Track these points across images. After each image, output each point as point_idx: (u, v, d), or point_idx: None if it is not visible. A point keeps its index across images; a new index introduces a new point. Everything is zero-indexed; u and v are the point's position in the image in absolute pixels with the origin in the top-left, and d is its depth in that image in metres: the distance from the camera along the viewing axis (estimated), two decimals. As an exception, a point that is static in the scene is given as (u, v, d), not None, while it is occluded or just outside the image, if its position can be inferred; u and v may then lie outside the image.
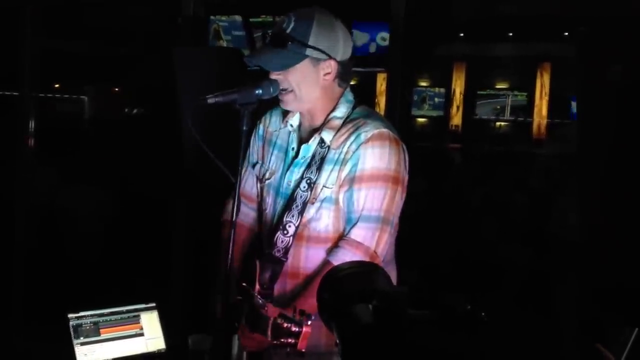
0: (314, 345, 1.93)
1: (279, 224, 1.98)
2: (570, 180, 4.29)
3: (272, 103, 2.01)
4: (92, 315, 2.00)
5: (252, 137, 2.17)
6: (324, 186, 1.92)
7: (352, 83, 2.05)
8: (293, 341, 1.59)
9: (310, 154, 1.97)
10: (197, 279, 3.69)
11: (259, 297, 1.77)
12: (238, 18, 4.01)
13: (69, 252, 4.68)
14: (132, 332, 2.04)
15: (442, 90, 9.97)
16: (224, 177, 1.83)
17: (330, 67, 1.93)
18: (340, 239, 1.92)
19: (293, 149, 2.04)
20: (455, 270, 4.20)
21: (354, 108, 2.00)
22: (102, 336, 1.99)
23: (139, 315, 2.07)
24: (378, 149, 1.88)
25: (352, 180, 1.89)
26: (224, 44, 4.02)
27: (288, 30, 1.89)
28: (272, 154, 2.10)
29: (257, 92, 1.86)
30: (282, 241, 1.96)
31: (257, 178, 2.15)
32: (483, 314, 1.12)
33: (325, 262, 1.91)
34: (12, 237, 4.39)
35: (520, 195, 4.96)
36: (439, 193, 5.15)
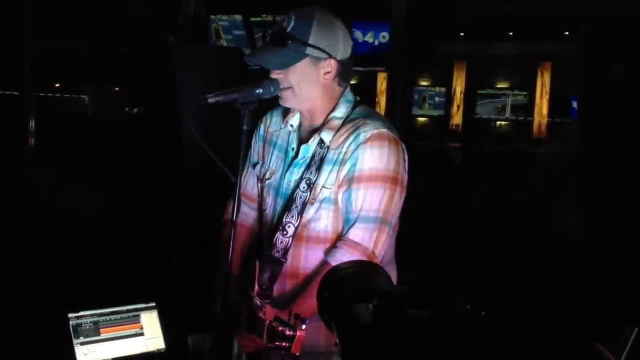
0: (314, 345, 1.94)
1: (278, 225, 1.98)
2: (570, 179, 4.29)
3: (273, 102, 2.00)
4: (92, 315, 2.00)
5: (253, 137, 2.17)
6: (323, 186, 1.92)
7: (352, 82, 2.05)
8: (287, 345, 1.59)
9: (309, 155, 1.97)
10: (197, 278, 3.69)
11: (257, 298, 1.77)
12: (238, 17, 4.01)
13: (69, 252, 4.68)
14: (132, 331, 2.04)
15: (443, 89, 9.97)
16: (224, 177, 1.83)
17: (331, 66, 1.93)
18: (338, 240, 1.92)
19: (293, 149, 2.04)
20: (455, 269, 4.19)
21: (353, 108, 1.99)
22: (102, 336, 1.99)
23: (138, 315, 2.06)
24: (377, 149, 1.88)
25: (350, 181, 1.89)
26: (225, 43, 4.02)
27: (288, 29, 1.89)
28: (272, 154, 2.10)
29: (257, 91, 1.86)
30: (282, 242, 1.96)
31: (258, 178, 2.15)
32: (483, 313, 1.11)
33: (323, 263, 1.91)
34: (12, 237, 4.39)
35: (521, 194, 4.96)
36: (439, 192, 5.15)
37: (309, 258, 1.95)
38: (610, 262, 2.85)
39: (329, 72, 1.94)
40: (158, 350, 2.06)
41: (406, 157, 1.98)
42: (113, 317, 2.03)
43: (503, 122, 9.85)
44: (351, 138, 1.90)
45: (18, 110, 4.39)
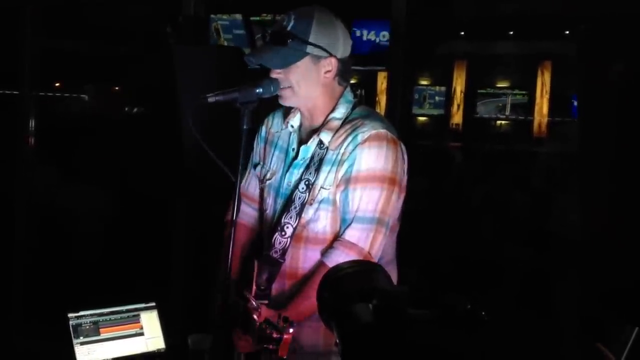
0: (313, 345, 1.94)
1: (277, 225, 1.98)
2: (571, 178, 4.29)
3: (272, 102, 2.00)
4: (91, 315, 2.00)
5: (255, 139, 2.17)
6: (321, 187, 1.92)
7: (352, 82, 2.05)
8: (273, 347, 1.60)
9: (309, 155, 1.97)
10: (197, 278, 3.69)
11: (252, 299, 1.78)
12: (238, 17, 4.01)
13: (69, 251, 4.68)
14: (132, 331, 2.04)
15: (443, 88, 9.98)
16: (224, 177, 1.83)
17: (331, 64, 1.93)
18: (335, 240, 1.92)
19: (293, 149, 2.04)
20: (455, 269, 4.19)
21: (353, 108, 1.99)
22: (102, 336, 1.99)
23: (138, 315, 2.06)
24: (375, 150, 1.87)
25: (347, 181, 1.89)
26: (225, 43, 4.02)
27: (288, 28, 1.89)
28: (273, 154, 2.10)
29: (257, 91, 1.86)
30: (280, 242, 1.96)
31: (258, 179, 2.15)
32: (483, 313, 1.11)
33: (320, 263, 1.91)
34: (12, 236, 4.39)
35: (521, 194, 4.96)
36: (439, 192, 5.15)
37: (308, 259, 1.94)
38: (610, 261, 2.84)
39: (329, 71, 1.93)
40: (158, 350, 2.06)
41: (405, 157, 1.97)
42: (113, 317, 2.02)
43: (503, 122, 9.86)
44: (349, 139, 1.90)
45: (18, 109, 4.39)
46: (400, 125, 3.16)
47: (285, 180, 2.01)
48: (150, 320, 2.07)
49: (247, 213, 2.18)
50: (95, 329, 1.99)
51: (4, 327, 4.21)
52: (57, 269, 4.41)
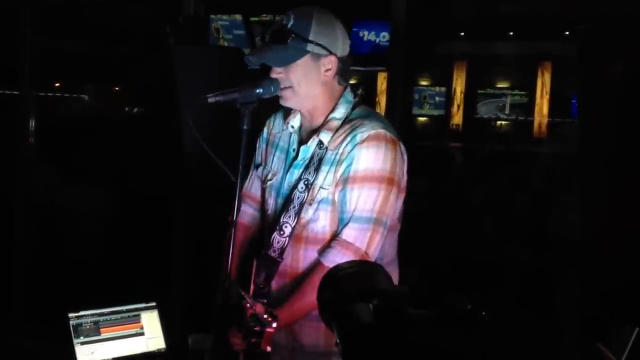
0: (314, 345, 1.94)
1: (276, 225, 1.98)
2: (571, 179, 4.29)
3: (273, 102, 2.00)
4: (92, 315, 1.99)
5: (257, 140, 2.18)
6: (321, 187, 1.92)
7: (352, 82, 2.05)
8: (255, 340, 1.61)
9: (309, 155, 1.97)
10: (197, 278, 3.69)
11: (248, 297, 1.78)
12: (239, 17, 4.01)
13: (69, 251, 4.68)
14: (133, 331, 2.04)
15: (443, 89, 9.99)
16: (224, 177, 1.83)
17: (331, 63, 1.93)
18: (332, 240, 1.92)
19: (294, 150, 2.04)
20: (455, 269, 4.19)
21: (353, 108, 1.99)
22: (103, 335, 1.99)
23: (139, 315, 2.06)
24: (373, 150, 1.87)
25: (345, 181, 1.89)
26: (225, 43, 4.02)
27: (288, 27, 1.89)
28: (274, 155, 2.11)
29: (257, 91, 1.86)
30: (278, 241, 1.96)
31: (260, 179, 2.15)
32: (483, 313, 1.11)
33: (317, 263, 1.91)
34: (12, 236, 4.39)
35: (521, 194, 4.97)
36: (439, 192, 5.15)
37: (308, 259, 1.95)
38: (610, 261, 2.84)
39: (329, 70, 1.93)
40: (158, 350, 2.06)
41: (405, 158, 1.97)
42: (113, 316, 2.02)
43: (503, 122, 9.86)
44: (348, 139, 1.90)
45: (18, 109, 4.39)
46: (400, 126, 3.17)
47: (286, 181, 2.01)
48: (151, 320, 2.07)
49: (249, 213, 2.19)
50: (95, 328, 1.99)
51: (4, 327, 4.22)
52: (58, 269, 4.41)
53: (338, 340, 1.16)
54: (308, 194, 1.93)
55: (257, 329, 1.63)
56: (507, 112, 9.62)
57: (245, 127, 1.84)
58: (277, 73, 1.92)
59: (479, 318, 1.11)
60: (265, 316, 1.67)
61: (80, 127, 5.66)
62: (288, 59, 1.90)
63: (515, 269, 4.18)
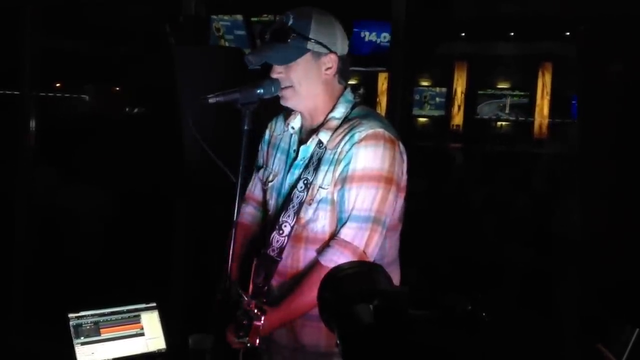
0: (315, 345, 1.94)
1: (275, 224, 1.98)
2: (571, 179, 4.29)
3: (273, 103, 2.00)
4: (92, 315, 2.00)
5: (260, 143, 2.18)
6: (320, 187, 1.92)
7: (353, 82, 2.06)
8: (243, 334, 1.62)
9: (308, 155, 1.97)
10: (197, 278, 3.69)
11: (246, 296, 1.79)
12: (239, 17, 4.01)
13: (70, 252, 4.69)
14: (133, 331, 2.04)
15: (444, 89, 9.99)
16: (225, 177, 1.83)
17: (331, 61, 1.93)
18: (330, 239, 1.92)
19: (294, 150, 2.04)
20: (455, 269, 4.19)
21: (352, 108, 1.99)
22: (103, 336, 1.99)
23: (139, 315, 2.06)
24: (371, 149, 1.87)
25: (344, 180, 1.88)
26: (226, 44, 4.02)
27: (289, 26, 1.90)
28: (275, 156, 2.11)
29: (258, 91, 1.86)
30: (278, 241, 1.96)
31: (261, 181, 2.15)
32: (484, 313, 1.11)
33: (315, 262, 1.91)
34: (12, 236, 4.39)
35: (522, 194, 4.97)
36: (439, 193, 5.15)
37: (308, 258, 1.94)
38: (610, 262, 2.84)
39: (329, 68, 1.94)
40: (159, 350, 2.06)
41: (405, 157, 1.97)
42: (114, 317, 2.03)
43: (504, 123, 9.87)
44: (347, 138, 1.90)
45: (18, 110, 4.39)
46: (401, 127, 3.17)
47: (287, 181, 2.01)
48: (151, 321, 2.07)
49: (252, 214, 2.20)
50: (95, 329, 1.99)
51: (4, 327, 4.22)
52: (58, 269, 4.41)
53: (338, 341, 1.16)
54: (307, 194, 1.93)
55: (245, 322, 1.63)
56: (507, 114, 9.63)
57: (245, 128, 1.84)
58: (277, 73, 1.92)
59: (479, 318, 1.11)
60: (254, 310, 1.67)
61: (80, 128, 5.67)
62: (289, 57, 1.90)
63: (516, 270, 4.18)
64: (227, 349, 1.89)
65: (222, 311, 1.87)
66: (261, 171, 2.16)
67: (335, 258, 1.84)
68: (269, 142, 2.16)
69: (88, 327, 1.98)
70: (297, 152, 2.02)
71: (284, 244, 1.96)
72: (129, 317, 2.05)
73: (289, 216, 1.95)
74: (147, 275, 4.00)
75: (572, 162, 4.28)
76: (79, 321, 1.97)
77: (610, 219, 2.84)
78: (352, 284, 1.22)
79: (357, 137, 1.88)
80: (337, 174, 1.90)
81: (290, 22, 1.90)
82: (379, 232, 1.89)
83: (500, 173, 5.62)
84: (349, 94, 2.01)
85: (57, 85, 8.24)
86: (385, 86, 6.50)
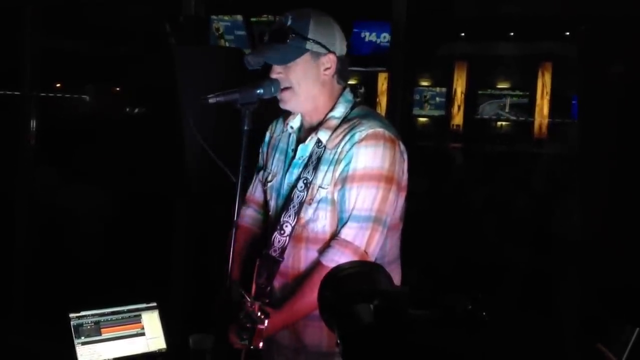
0: (317, 345, 1.94)
1: (276, 224, 1.98)
2: (571, 179, 4.29)
3: (273, 103, 2.01)
4: (93, 315, 2.00)
5: (261, 145, 2.19)
6: (320, 187, 1.92)
7: (353, 82, 2.06)
8: (246, 337, 1.62)
9: (307, 154, 1.97)
10: (198, 278, 3.70)
11: (249, 297, 1.79)
12: (239, 18, 4.01)
13: (70, 252, 4.69)
14: (133, 331, 2.04)
15: (444, 89, 9.98)
16: (225, 177, 1.83)
17: (330, 61, 1.94)
18: (331, 239, 1.92)
19: (292, 150, 2.04)
20: (456, 269, 4.19)
21: (352, 108, 1.99)
22: (103, 336, 1.99)
23: (140, 315, 2.07)
24: (371, 149, 1.87)
25: (344, 180, 1.88)
26: (226, 44, 4.02)
27: (288, 26, 1.90)
28: (274, 157, 2.12)
29: (258, 91, 1.87)
30: (279, 241, 1.97)
31: (260, 182, 2.16)
32: (484, 313, 1.11)
33: (317, 262, 1.91)
34: (13, 236, 4.39)
35: (522, 194, 4.96)
36: (440, 193, 5.15)
37: (309, 259, 1.95)
38: (610, 262, 2.84)
39: (328, 68, 1.94)
40: (159, 350, 2.06)
41: (405, 156, 1.97)
42: (114, 317, 2.03)
43: (504, 123, 9.86)
44: (347, 138, 1.90)
45: (19, 110, 4.40)
46: (401, 127, 3.17)
47: (286, 181, 2.02)
48: (152, 320, 2.07)
49: (252, 217, 2.20)
50: (96, 329, 1.99)
51: (5, 327, 4.22)
52: (58, 269, 4.41)
53: (339, 341, 1.17)
54: (307, 193, 1.93)
55: (248, 325, 1.63)
56: (507, 114, 9.62)
57: (245, 128, 1.84)
58: (277, 73, 1.93)
59: (479, 318, 1.11)
60: (258, 313, 1.67)
61: (80, 128, 5.67)
62: (288, 57, 1.90)
63: (516, 270, 4.18)
64: (229, 349, 1.90)
65: (224, 311, 1.87)
66: (261, 173, 2.17)
67: (337, 258, 1.84)
68: (269, 144, 2.17)
69: (89, 327, 1.98)
70: (295, 151, 2.02)
71: (286, 244, 1.96)
72: (129, 317, 2.05)
73: (289, 216, 1.95)
74: (147, 275, 4.00)
75: (572, 162, 4.28)
76: (80, 321, 1.98)
77: (610, 220, 2.84)
78: (352, 283, 1.22)
79: (357, 136, 1.88)
80: (337, 173, 1.90)
81: (289, 22, 1.90)
82: (380, 231, 1.89)
83: (500, 173, 5.62)
84: (348, 94, 2.01)
85: (58, 85, 8.24)
86: (385, 86, 6.49)
